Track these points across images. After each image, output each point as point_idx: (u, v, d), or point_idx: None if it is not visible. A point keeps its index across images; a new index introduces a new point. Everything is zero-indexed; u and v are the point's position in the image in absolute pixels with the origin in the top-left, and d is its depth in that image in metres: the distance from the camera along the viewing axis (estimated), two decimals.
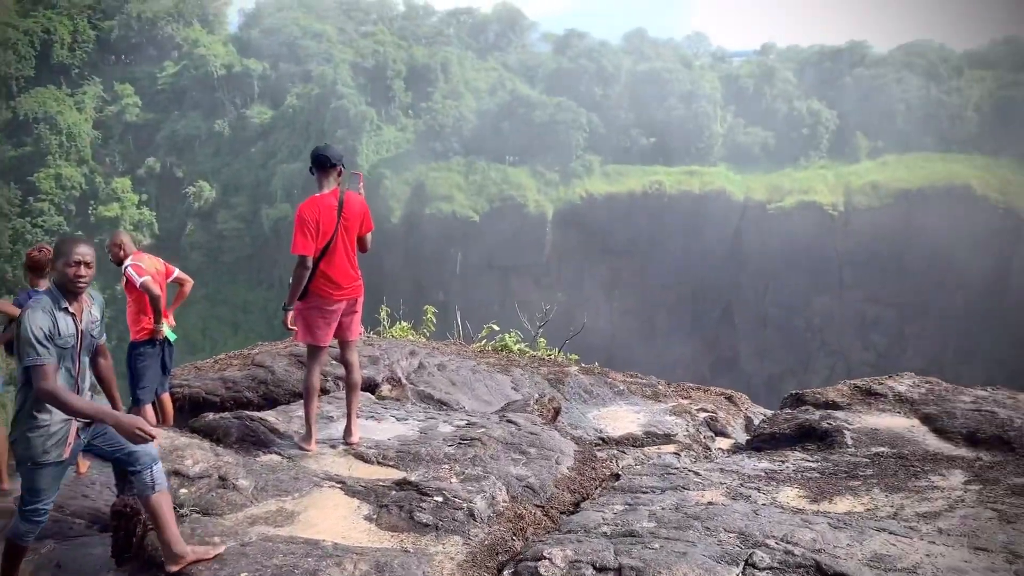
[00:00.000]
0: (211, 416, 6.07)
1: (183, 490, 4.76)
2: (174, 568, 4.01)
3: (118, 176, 72.52)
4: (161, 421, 7.09)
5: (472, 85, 75.08)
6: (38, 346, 3.73)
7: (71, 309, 3.92)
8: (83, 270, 3.89)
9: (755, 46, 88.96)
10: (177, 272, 7.13)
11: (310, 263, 5.42)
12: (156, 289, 6.74)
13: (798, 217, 63.57)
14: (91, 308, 4.11)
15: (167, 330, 7.01)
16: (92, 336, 4.10)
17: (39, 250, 6.86)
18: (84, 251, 3.90)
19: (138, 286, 6.72)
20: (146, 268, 6.79)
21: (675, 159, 69.73)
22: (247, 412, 6.15)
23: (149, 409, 6.95)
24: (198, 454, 5.07)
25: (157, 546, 4.30)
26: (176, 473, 4.89)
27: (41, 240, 64.60)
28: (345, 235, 5.47)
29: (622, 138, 71.14)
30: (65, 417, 3.89)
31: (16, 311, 6.52)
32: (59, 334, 3.83)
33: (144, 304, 6.84)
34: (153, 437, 3.78)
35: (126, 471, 4.20)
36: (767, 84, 74.21)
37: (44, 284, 6.72)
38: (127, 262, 6.82)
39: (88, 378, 4.16)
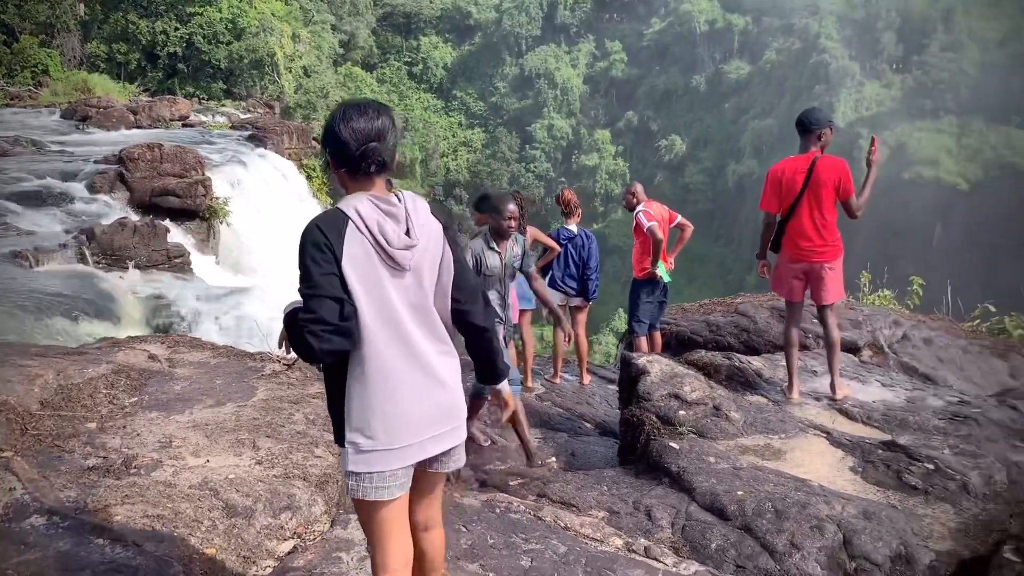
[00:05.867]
0: (703, 353, 6.72)
1: (682, 411, 5.42)
2: (534, 462, 5.66)
3: (599, 128, 78.54)
4: (651, 351, 7.97)
5: (978, 35, 66.10)
6: None
7: (497, 248, 5.33)
8: (512, 222, 5.28)
9: None
10: (679, 218, 7.81)
11: (771, 219, 5.82)
12: (660, 234, 7.49)
13: None
14: (514, 247, 5.46)
15: (663, 272, 7.76)
16: (514, 267, 5.50)
17: (563, 193, 8.08)
18: (512, 208, 5.28)
19: (645, 230, 7.52)
20: (654, 214, 7.58)
21: None
22: (736, 355, 6.67)
23: (642, 340, 7.82)
24: (695, 383, 5.70)
25: (661, 452, 5.05)
26: (676, 396, 5.58)
27: (531, 183, 73.32)
28: (813, 198, 5.57)
29: None
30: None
31: (553, 243, 7.83)
32: (487, 267, 5.28)
33: (648, 246, 7.66)
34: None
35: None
36: None
37: (572, 222, 7.94)
38: (638, 208, 7.67)
39: (512, 295, 5.68)
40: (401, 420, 2.44)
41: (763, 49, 73.22)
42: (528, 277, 5.70)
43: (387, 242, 2.40)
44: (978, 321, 9.01)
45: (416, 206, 2.52)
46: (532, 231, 7.71)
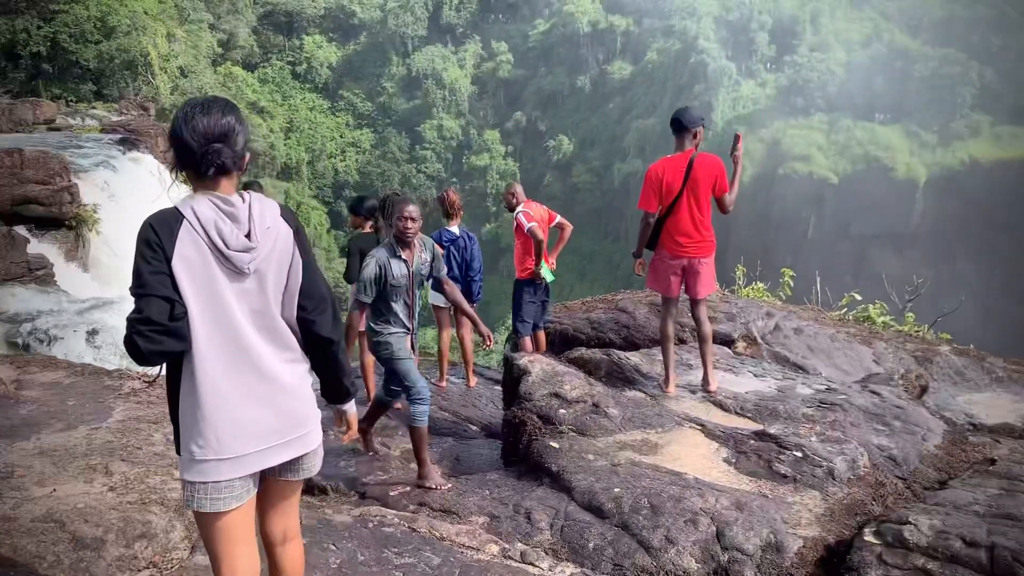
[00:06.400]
0: (583, 351, 6.74)
1: (562, 410, 5.41)
2: (426, 483, 4.98)
3: (489, 128, 78.84)
4: (535, 351, 7.96)
5: (843, 37, 69.92)
6: (366, 288, 4.85)
7: (403, 256, 4.89)
8: (410, 224, 4.83)
9: None
10: (559, 218, 7.84)
11: (651, 219, 5.84)
12: (540, 235, 7.50)
13: None
14: (422, 253, 5.05)
15: (546, 272, 7.77)
16: (422, 274, 5.07)
17: (446, 194, 7.97)
18: (411, 209, 4.84)
19: (526, 231, 7.51)
20: (534, 215, 7.58)
21: None
22: (615, 351, 6.72)
23: (527, 340, 7.80)
24: (575, 381, 5.70)
25: (542, 452, 5.01)
26: (556, 395, 5.57)
27: (423, 184, 72.87)
28: (692, 196, 5.68)
29: (1022, 96, 61.83)
30: (400, 330, 5.03)
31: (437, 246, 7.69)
32: (393, 276, 4.84)
33: (529, 247, 7.66)
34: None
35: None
36: None
37: (455, 224, 7.84)
38: (518, 209, 7.64)
39: (418, 305, 5.23)
40: (235, 428, 2.33)
41: (645, 50, 75.21)
42: (438, 282, 5.42)
43: (224, 244, 2.28)
44: (845, 310, 9.42)
45: (262, 208, 2.40)
46: None
